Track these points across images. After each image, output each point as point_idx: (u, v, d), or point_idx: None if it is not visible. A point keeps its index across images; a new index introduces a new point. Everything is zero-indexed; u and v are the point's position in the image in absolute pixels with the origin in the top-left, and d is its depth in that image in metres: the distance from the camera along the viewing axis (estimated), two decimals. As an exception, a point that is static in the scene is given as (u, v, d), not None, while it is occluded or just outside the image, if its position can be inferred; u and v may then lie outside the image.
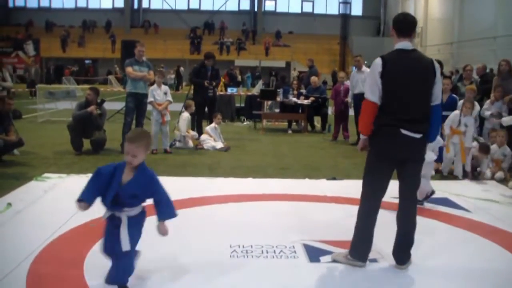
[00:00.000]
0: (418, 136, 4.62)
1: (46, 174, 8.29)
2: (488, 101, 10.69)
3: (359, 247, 4.83)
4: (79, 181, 8.09)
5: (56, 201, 6.81)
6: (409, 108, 4.58)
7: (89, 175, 8.30)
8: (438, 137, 6.60)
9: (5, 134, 9.35)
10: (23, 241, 5.13)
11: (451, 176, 9.29)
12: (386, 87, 4.56)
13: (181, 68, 40.13)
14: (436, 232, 6.03)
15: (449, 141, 9.15)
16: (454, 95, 10.07)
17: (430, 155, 6.72)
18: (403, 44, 4.71)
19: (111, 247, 3.97)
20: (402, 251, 4.84)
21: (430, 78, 4.69)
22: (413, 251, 4.93)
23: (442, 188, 8.07)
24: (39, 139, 11.99)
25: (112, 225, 3.99)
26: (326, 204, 7.08)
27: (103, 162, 9.58)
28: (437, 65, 4.79)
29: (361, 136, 4.91)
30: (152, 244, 5.25)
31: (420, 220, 6.10)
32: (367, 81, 4.75)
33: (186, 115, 11.97)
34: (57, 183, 7.76)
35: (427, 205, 7.10)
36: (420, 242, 5.23)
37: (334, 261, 4.90)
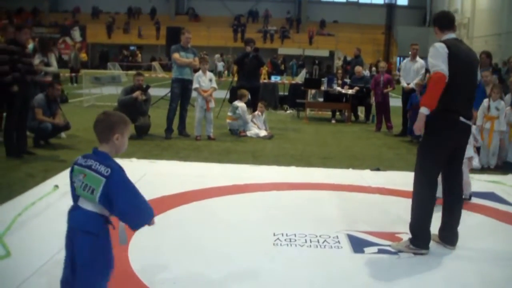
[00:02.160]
0: (470, 123, 4.93)
1: (91, 158, 8.37)
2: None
3: (420, 236, 4.83)
4: (124, 165, 8.17)
5: (102, 184, 6.88)
6: (466, 93, 4.81)
7: (133, 160, 8.48)
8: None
9: (52, 118, 9.51)
10: (69, 223, 5.19)
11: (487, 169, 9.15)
12: (450, 71, 4.64)
13: (223, 56, 40.25)
14: (482, 227, 5.87)
15: (483, 130, 9.20)
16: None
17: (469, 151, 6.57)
18: (450, 35, 4.92)
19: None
20: (453, 233, 5.01)
21: (478, 65, 5.07)
22: (460, 245, 4.96)
23: (487, 180, 8.03)
24: (84, 123, 12.13)
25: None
26: (370, 194, 6.98)
27: (147, 147, 9.74)
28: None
29: (424, 111, 4.65)
30: (195, 231, 5.28)
31: (466, 215, 6.03)
32: (437, 57, 4.66)
33: (245, 106, 11.92)
34: (102, 167, 7.83)
35: (473, 199, 6.91)
36: (465, 236, 5.19)
37: (398, 251, 4.86)
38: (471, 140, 6.35)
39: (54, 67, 10.93)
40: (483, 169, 8.96)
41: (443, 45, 4.69)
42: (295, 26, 50.38)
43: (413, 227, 4.88)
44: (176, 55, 10.89)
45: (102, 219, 3.20)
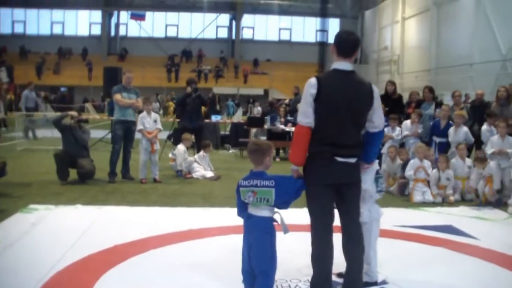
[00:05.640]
0: (353, 160, 4.41)
1: (31, 206, 7.87)
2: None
3: (319, 284, 4.43)
4: (69, 213, 7.74)
5: (48, 234, 6.43)
6: (341, 133, 4.33)
7: (79, 206, 8.02)
8: (376, 164, 5.03)
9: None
10: (18, 279, 4.75)
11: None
12: (319, 110, 4.29)
13: (159, 96, 39.91)
14: (446, 260, 5.84)
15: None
16: (451, 122, 10.05)
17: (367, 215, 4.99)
18: (342, 64, 4.41)
19: None
20: (350, 279, 4.51)
21: (366, 103, 4.43)
22: (429, 281, 4.92)
23: (445, 213, 8.30)
24: (20, 169, 11.52)
25: None
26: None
27: (92, 192, 9.27)
28: (376, 91, 4.48)
29: (293, 167, 4.46)
30: (157, 283, 4.94)
31: (426, 248, 6.22)
32: (302, 99, 4.37)
33: (182, 149, 11.55)
34: (45, 215, 7.34)
35: (432, 233, 6.91)
36: (430, 270, 5.29)
37: None
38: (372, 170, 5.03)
39: (1, 113, 10.31)
40: (443, 202, 9.14)
41: (312, 81, 4.30)
42: (229, 65, 50.64)
43: (314, 279, 4.50)
44: (118, 96, 10.50)
45: (272, 220, 4.36)
